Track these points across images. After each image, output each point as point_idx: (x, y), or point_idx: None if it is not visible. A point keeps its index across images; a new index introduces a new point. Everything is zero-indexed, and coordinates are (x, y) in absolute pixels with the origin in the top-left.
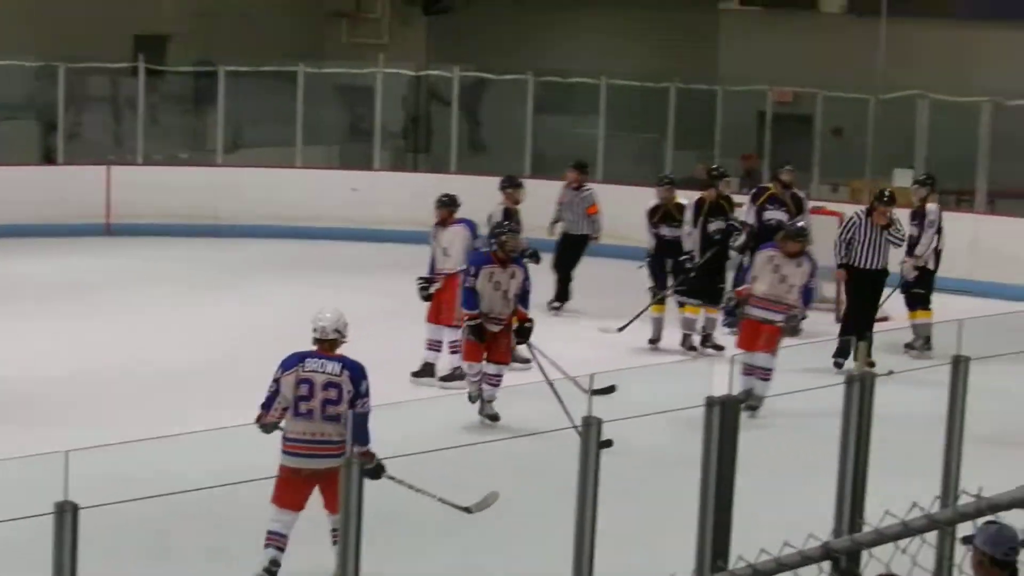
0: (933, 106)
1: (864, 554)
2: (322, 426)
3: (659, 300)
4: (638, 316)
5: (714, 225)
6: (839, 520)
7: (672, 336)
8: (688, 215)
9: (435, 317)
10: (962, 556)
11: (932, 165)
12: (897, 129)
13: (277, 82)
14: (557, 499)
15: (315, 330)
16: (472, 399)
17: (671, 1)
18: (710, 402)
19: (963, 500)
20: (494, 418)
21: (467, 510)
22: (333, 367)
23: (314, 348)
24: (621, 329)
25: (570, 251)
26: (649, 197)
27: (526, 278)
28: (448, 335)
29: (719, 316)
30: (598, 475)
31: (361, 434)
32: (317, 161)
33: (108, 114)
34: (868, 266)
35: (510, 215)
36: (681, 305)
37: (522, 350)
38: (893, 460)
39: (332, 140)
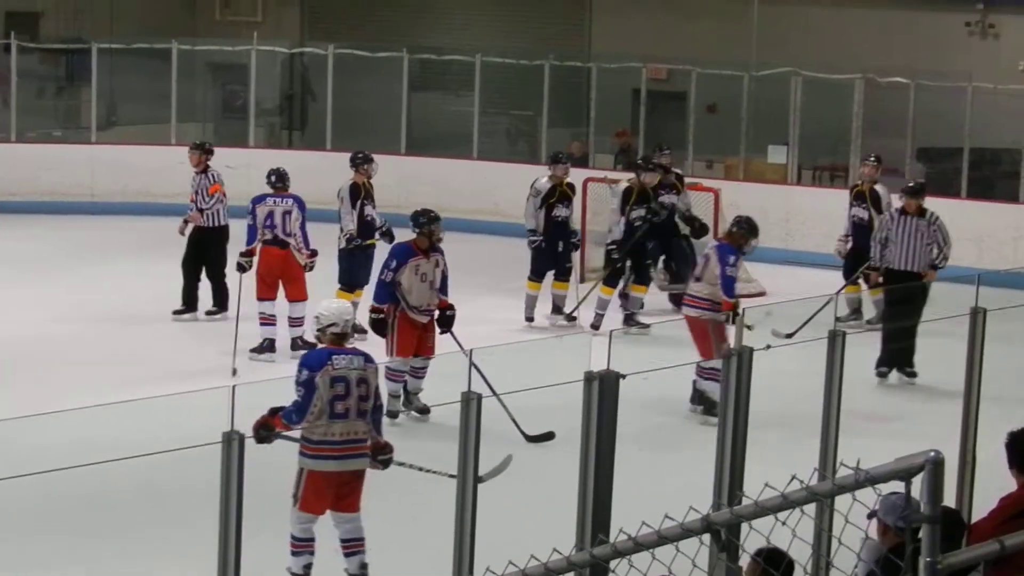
0: (806, 83)
1: (744, 526)
2: (355, 425)
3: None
4: (583, 300)
5: (635, 213)
6: (719, 493)
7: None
8: (615, 203)
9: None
10: (842, 528)
11: (805, 142)
12: (771, 106)
13: (151, 59)
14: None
15: (333, 325)
16: (395, 397)
17: None
18: (588, 377)
19: (842, 472)
20: (424, 411)
21: (479, 480)
22: (359, 361)
23: (323, 344)
24: (571, 316)
25: (209, 248)
26: (525, 174)
27: (445, 264)
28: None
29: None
30: (478, 452)
31: (379, 425)
32: (192, 138)
33: None
34: (903, 267)
35: (360, 191)
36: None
37: None
38: (773, 433)
39: (207, 117)
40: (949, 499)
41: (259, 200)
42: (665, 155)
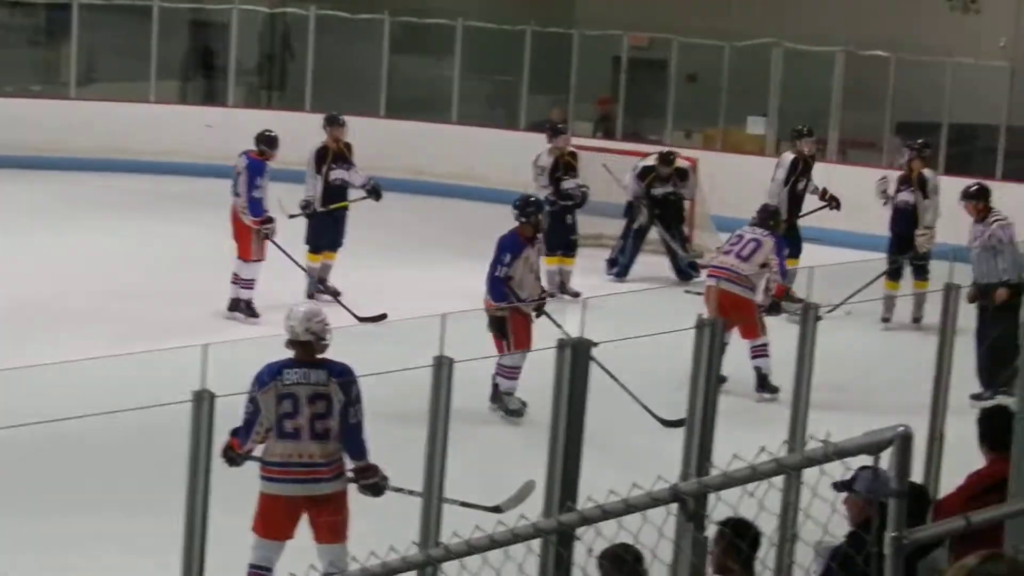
0: (787, 55)
1: (712, 497)
2: (310, 446)
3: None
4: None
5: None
6: (687, 463)
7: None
8: (782, 174)
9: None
10: (808, 500)
11: (786, 114)
12: (751, 77)
13: (131, 16)
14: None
15: (289, 331)
16: (504, 406)
17: None
18: (561, 344)
19: (811, 446)
20: (518, 413)
21: (496, 509)
22: (318, 376)
23: (290, 356)
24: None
25: None
26: (504, 140)
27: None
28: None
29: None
30: (448, 416)
31: (356, 446)
32: (171, 96)
33: None
34: (980, 280)
35: (327, 154)
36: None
37: None
38: (744, 405)
39: (186, 76)
40: (917, 475)
41: (241, 153)
42: (809, 142)
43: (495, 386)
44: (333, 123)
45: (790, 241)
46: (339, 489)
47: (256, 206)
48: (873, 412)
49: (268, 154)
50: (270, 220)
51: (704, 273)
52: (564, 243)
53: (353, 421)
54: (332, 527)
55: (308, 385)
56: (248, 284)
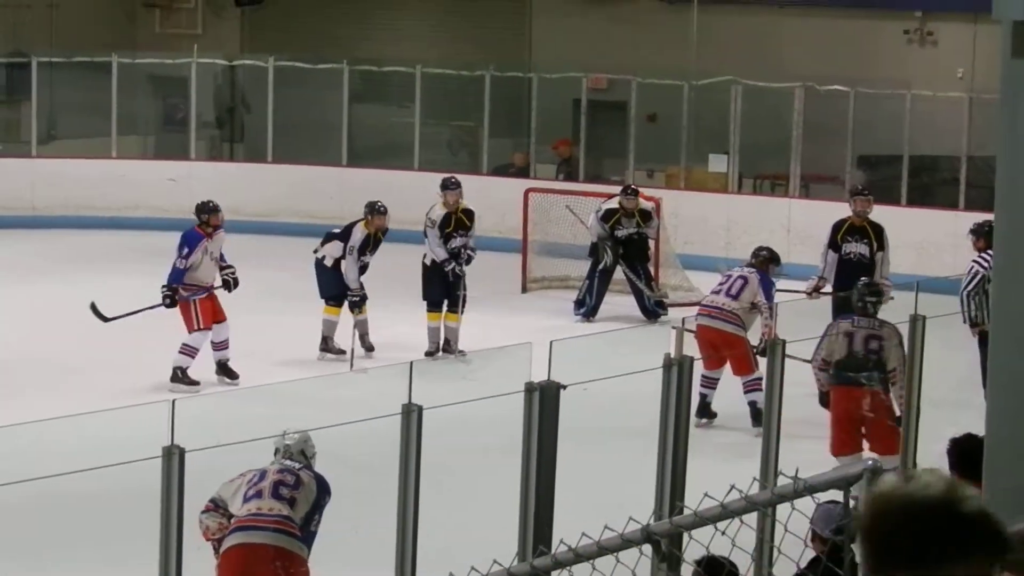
0: (746, 92)
1: (685, 536)
2: (272, 502)
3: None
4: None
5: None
6: (659, 503)
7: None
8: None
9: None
10: (782, 537)
11: (746, 151)
12: (711, 115)
13: (91, 73)
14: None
15: (277, 450)
16: None
17: None
18: (529, 388)
19: (781, 481)
20: None
21: None
22: (293, 464)
23: None
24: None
25: None
26: (466, 185)
27: None
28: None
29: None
30: (419, 463)
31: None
32: (133, 151)
33: None
34: None
35: (370, 242)
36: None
37: None
38: (713, 443)
39: (147, 130)
40: None
41: None
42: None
43: None
44: (376, 212)
45: None
46: (301, 554)
47: (173, 274)
48: None
49: (207, 222)
50: (171, 291)
51: (687, 312)
52: (450, 299)
53: (313, 529)
54: None
55: (281, 465)
56: (187, 351)
